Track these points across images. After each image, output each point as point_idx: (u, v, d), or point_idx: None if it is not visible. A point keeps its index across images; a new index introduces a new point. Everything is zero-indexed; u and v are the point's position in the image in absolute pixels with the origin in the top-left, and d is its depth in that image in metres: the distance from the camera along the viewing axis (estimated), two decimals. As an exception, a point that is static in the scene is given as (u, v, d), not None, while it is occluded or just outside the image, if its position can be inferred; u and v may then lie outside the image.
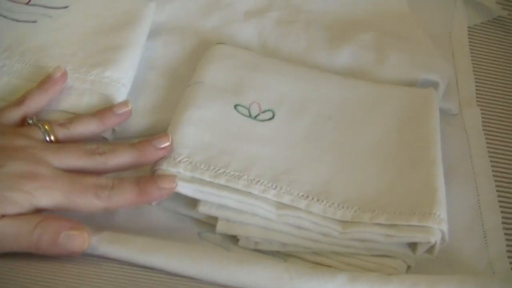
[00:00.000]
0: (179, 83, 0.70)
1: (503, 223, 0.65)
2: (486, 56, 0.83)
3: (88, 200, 0.55)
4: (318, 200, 0.59)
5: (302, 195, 0.59)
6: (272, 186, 0.60)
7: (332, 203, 0.59)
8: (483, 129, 0.74)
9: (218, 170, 0.60)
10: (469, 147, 0.71)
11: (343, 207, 0.59)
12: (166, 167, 0.59)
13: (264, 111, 0.66)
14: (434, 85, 0.72)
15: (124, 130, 0.67)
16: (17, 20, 0.72)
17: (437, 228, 0.57)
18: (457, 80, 0.78)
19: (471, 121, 0.74)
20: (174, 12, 0.78)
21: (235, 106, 0.66)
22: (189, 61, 0.73)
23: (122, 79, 0.67)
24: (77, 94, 0.65)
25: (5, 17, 0.72)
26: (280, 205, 0.59)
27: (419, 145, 0.64)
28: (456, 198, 0.65)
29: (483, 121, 0.74)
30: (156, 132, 0.66)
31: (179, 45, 0.75)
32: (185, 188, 0.59)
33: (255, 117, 0.65)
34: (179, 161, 0.60)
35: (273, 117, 0.66)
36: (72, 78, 0.66)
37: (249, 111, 0.66)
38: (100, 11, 0.73)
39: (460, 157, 0.70)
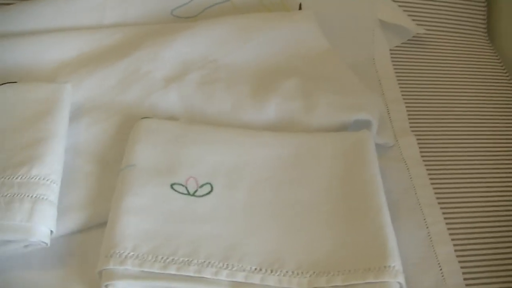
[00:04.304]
0: (110, 167, 0.68)
1: (456, 251, 0.66)
2: (411, 77, 0.83)
3: None
4: (272, 271, 0.58)
5: (255, 269, 0.58)
6: (223, 265, 0.58)
7: (287, 272, 0.58)
8: (421, 156, 0.74)
9: (167, 259, 0.58)
10: (410, 178, 0.71)
11: (297, 274, 0.58)
12: (113, 266, 0.57)
13: (202, 185, 0.64)
14: (367, 124, 0.71)
15: (62, 229, 0.63)
16: None
17: (394, 281, 0.57)
18: (388, 110, 0.77)
19: (409, 151, 0.74)
20: (92, 89, 0.74)
21: (172, 186, 0.64)
22: (116, 141, 0.70)
23: (51, 175, 0.64)
24: (5, 203, 0.61)
25: None
26: (235, 284, 0.58)
27: (363, 195, 0.63)
28: (406, 232, 0.65)
29: (419, 148, 0.74)
30: (95, 224, 0.64)
31: (103, 125, 0.72)
32: (134, 287, 0.58)
33: (194, 193, 0.64)
34: (126, 257, 0.58)
35: (211, 190, 0.64)
36: None
37: (186, 188, 0.64)
38: (16, 104, 0.69)
39: (403, 191, 0.70)
